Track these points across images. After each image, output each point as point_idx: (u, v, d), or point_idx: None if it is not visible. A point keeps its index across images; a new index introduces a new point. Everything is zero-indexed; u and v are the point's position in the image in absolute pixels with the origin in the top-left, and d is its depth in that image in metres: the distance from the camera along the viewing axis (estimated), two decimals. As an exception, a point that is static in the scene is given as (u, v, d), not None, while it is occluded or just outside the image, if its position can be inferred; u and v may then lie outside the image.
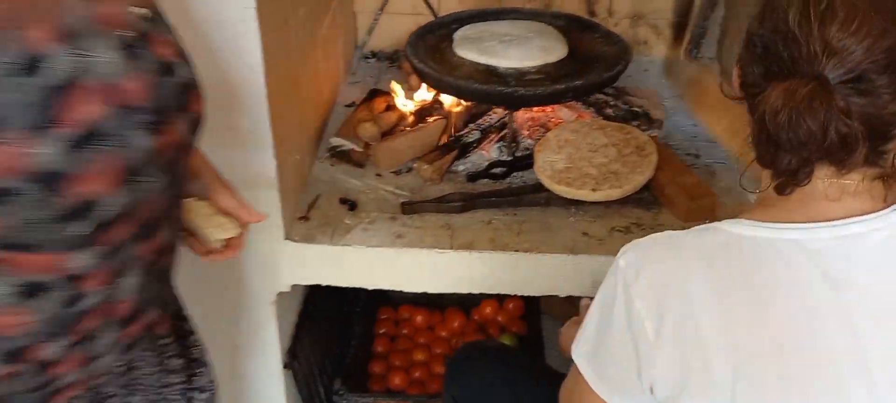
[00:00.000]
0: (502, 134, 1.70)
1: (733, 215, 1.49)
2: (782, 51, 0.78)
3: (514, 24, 1.87)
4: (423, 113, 1.78)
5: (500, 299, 2.04)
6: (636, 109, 1.80)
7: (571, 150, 1.58)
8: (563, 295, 1.46)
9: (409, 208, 1.51)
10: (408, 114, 1.79)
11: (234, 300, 1.50)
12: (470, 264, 1.43)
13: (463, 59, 1.73)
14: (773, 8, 0.80)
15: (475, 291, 1.47)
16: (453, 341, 2.01)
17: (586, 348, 0.92)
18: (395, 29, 2.21)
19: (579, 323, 1.07)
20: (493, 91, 1.58)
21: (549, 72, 1.68)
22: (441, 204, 1.52)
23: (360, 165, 1.66)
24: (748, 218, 0.86)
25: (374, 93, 1.87)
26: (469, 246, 1.43)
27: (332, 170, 1.66)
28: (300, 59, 1.54)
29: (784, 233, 0.82)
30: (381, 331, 2.04)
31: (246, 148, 1.32)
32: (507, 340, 2.00)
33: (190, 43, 1.22)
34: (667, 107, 1.88)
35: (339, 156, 1.66)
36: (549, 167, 1.54)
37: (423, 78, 1.70)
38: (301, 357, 1.63)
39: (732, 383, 0.79)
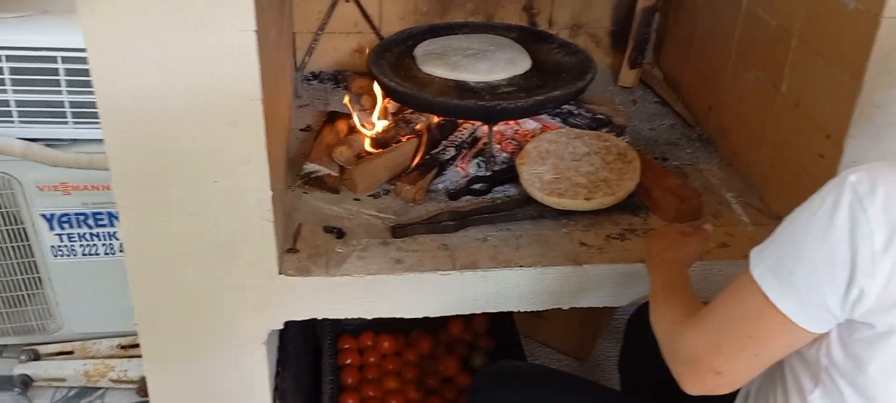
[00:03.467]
0: (479, 149, 1.67)
1: (715, 214, 1.54)
2: None
3: (471, 38, 1.85)
4: (389, 132, 1.73)
5: (467, 315, 2.01)
6: (600, 117, 1.82)
7: (555, 161, 1.57)
8: (566, 307, 1.45)
9: (400, 231, 1.46)
10: (375, 135, 1.73)
11: (222, 342, 1.39)
12: (475, 284, 1.39)
13: (431, 75, 1.69)
14: None
15: (479, 311, 1.43)
16: (424, 365, 1.96)
17: (772, 261, 0.90)
18: (335, 49, 2.14)
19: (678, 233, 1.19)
20: (473, 106, 1.55)
21: (519, 84, 1.67)
22: (434, 225, 1.47)
23: (336, 191, 1.59)
24: None
25: (335, 116, 1.80)
26: (472, 266, 1.39)
27: (307, 197, 1.58)
28: (275, 85, 1.45)
29: None
30: (347, 362, 1.95)
31: (243, 180, 1.23)
32: (478, 358, 1.96)
33: (187, 71, 1.13)
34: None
35: (314, 182, 1.58)
36: (537, 179, 1.53)
37: (396, 97, 1.64)
38: (288, 398, 1.54)
39: None
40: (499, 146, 1.70)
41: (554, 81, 1.67)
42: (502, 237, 1.47)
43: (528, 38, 1.89)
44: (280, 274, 1.34)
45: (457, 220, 1.48)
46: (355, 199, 1.57)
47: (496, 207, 1.53)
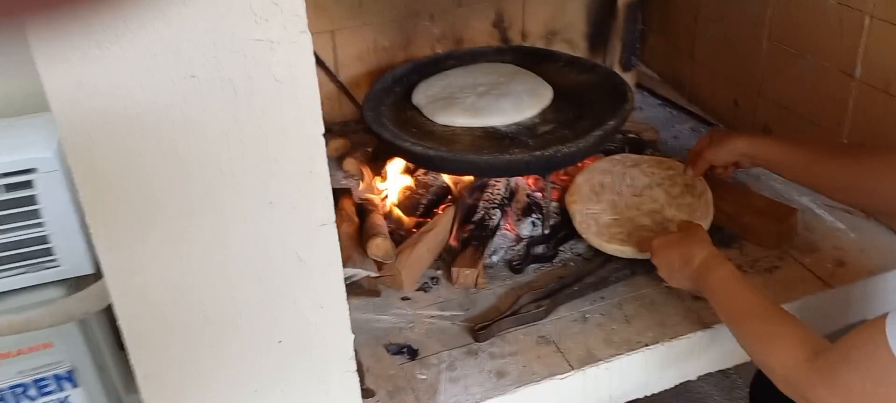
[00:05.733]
0: (523, 205, 1.40)
1: (808, 227, 1.36)
2: None
3: (473, 72, 1.57)
4: (409, 205, 1.42)
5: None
6: (631, 136, 1.59)
7: (612, 197, 1.33)
8: (695, 377, 1.21)
9: (484, 334, 1.16)
10: (388, 210, 1.42)
11: None
12: (597, 380, 1.13)
13: (449, 126, 1.40)
14: None
15: (603, 410, 1.17)
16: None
17: None
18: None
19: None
20: (529, 158, 1.27)
21: (556, 120, 1.41)
22: (523, 316, 1.19)
23: (377, 293, 1.27)
24: None
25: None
26: (591, 359, 1.12)
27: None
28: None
29: None
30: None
31: (318, 333, 0.91)
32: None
33: (246, 210, 0.81)
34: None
35: (349, 289, 1.25)
36: (592, 222, 1.28)
37: (423, 163, 1.34)
38: None
39: None
40: (540, 194, 1.44)
41: (589, 107, 1.43)
42: (602, 310, 1.22)
43: (529, 59, 1.63)
44: (371, 433, 1.02)
45: (544, 302, 1.20)
46: (404, 298, 1.26)
47: (580, 274, 1.27)
